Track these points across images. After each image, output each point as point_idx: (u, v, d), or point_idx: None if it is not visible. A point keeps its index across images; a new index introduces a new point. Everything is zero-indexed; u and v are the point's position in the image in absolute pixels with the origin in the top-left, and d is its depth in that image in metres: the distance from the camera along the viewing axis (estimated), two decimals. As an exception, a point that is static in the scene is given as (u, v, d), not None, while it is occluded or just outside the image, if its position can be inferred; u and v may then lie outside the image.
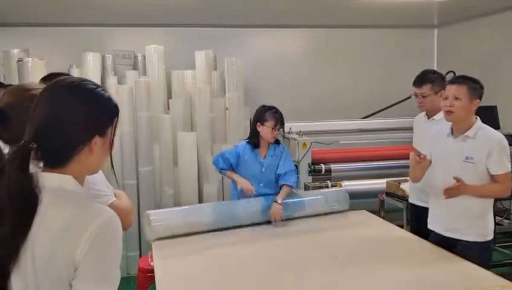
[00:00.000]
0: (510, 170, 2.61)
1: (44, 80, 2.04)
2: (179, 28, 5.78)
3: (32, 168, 1.18)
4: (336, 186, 4.52)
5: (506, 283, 2.25)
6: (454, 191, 2.58)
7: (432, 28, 6.55)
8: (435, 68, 6.26)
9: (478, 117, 2.71)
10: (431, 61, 6.51)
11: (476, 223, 2.65)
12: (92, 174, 1.32)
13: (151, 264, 2.77)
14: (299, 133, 5.19)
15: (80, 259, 1.10)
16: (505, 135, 4.65)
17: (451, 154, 2.66)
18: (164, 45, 5.14)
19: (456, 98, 2.62)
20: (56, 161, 1.20)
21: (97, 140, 1.22)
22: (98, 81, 4.76)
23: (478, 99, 2.65)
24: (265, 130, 3.38)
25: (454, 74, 5.20)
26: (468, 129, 2.66)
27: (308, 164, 4.89)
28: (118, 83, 4.99)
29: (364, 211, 3.60)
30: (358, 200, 3.85)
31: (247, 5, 5.06)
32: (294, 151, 5.04)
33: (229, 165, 3.47)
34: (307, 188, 4.46)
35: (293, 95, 5.97)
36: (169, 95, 5.12)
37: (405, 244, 2.91)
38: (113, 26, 5.62)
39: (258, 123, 3.41)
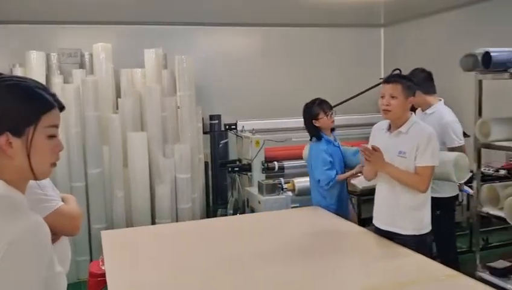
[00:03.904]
0: (431, 165, 2.68)
1: None
2: (127, 26, 5.64)
3: None
4: (288, 183, 4.55)
5: (453, 272, 2.35)
6: (372, 155, 2.69)
7: (379, 27, 6.72)
8: (382, 66, 6.45)
9: (413, 113, 2.83)
10: (378, 59, 6.67)
11: (410, 216, 2.73)
12: (40, 178, 1.21)
13: (103, 268, 2.70)
14: (252, 131, 5.21)
15: None
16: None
17: (387, 149, 2.75)
18: (112, 43, 5.02)
19: (393, 97, 2.72)
20: None
21: (12, 140, 1.13)
22: (43, 80, 4.64)
23: (412, 96, 2.78)
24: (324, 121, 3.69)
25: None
26: (402, 125, 2.76)
27: (262, 161, 4.92)
28: (64, 82, 4.84)
29: (318, 207, 3.64)
30: (309, 196, 3.89)
31: (194, 3, 5.00)
32: (248, 149, 5.06)
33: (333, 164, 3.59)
34: (260, 185, 4.46)
35: (245, 93, 5.97)
36: (118, 94, 5.00)
37: (356, 238, 2.98)
38: (58, 23, 5.42)
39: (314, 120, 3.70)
